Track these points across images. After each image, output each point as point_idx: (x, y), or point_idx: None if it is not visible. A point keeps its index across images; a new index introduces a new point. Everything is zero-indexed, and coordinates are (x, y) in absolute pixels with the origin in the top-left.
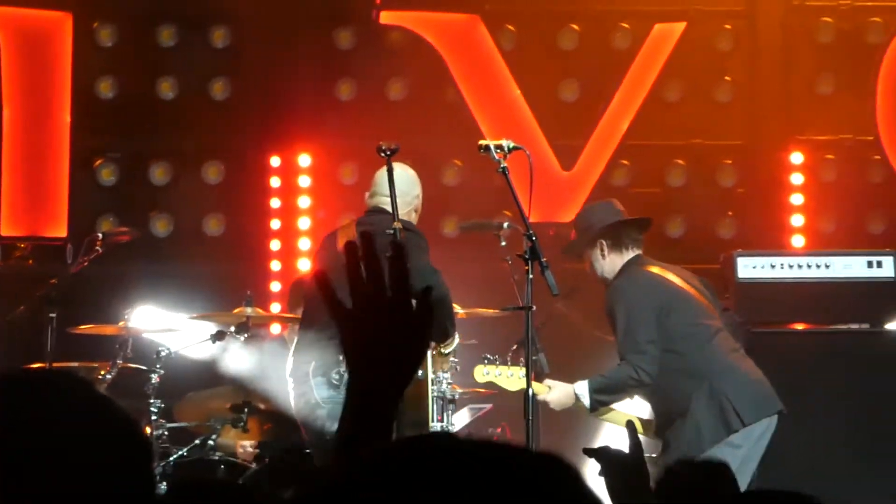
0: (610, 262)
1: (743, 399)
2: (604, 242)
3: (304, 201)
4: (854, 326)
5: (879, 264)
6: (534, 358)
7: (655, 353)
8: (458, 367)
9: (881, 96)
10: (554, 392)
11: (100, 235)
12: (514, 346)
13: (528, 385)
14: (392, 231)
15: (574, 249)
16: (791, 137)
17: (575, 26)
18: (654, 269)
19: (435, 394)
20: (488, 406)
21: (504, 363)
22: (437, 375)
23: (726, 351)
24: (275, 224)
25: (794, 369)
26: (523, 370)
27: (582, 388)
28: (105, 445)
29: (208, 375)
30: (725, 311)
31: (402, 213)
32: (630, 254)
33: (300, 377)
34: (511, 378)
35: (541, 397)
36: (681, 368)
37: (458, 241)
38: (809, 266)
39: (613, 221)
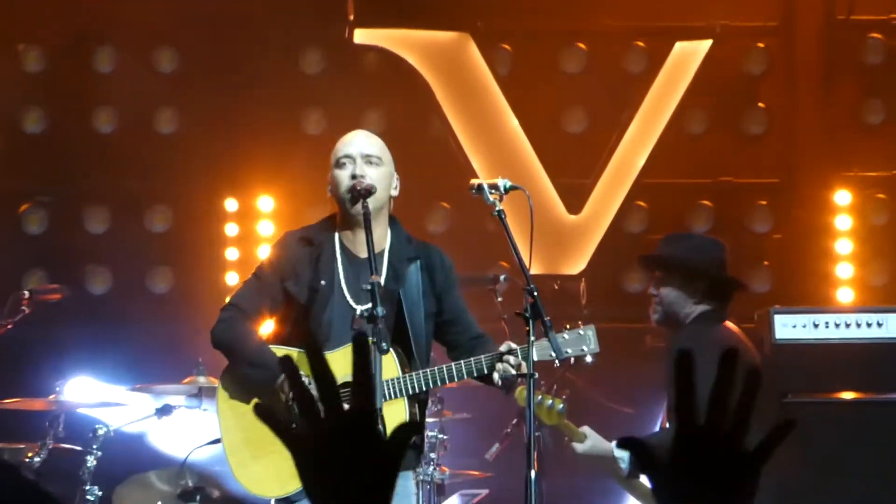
0: (691, 306)
1: None
2: (698, 286)
3: (265, 252)
4: None
5: None
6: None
7: None
8: (447, 446)
9: None
10: (589, 443)
11: (26, 293)
12: (515, 420)
13: (529, 466)
14: (369, 286)
15: (663, 264)
16: (835, 174)
17: (581, 45)
18: (728, 330)
19: (420, 476)
20: (484, 492)
21: (549, 391)
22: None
23: None
24: (231, 278)
25: (841, 445)
26: (562, 404)
27: (622, 450)
28: None
29: (153, 457)
30: None
31: (391, 189)
32: (707, 305)
33: None
34: (550, 410)
35: (576, 447)
36: None
37: None
38: (859, 325)
39: (721, 275)
